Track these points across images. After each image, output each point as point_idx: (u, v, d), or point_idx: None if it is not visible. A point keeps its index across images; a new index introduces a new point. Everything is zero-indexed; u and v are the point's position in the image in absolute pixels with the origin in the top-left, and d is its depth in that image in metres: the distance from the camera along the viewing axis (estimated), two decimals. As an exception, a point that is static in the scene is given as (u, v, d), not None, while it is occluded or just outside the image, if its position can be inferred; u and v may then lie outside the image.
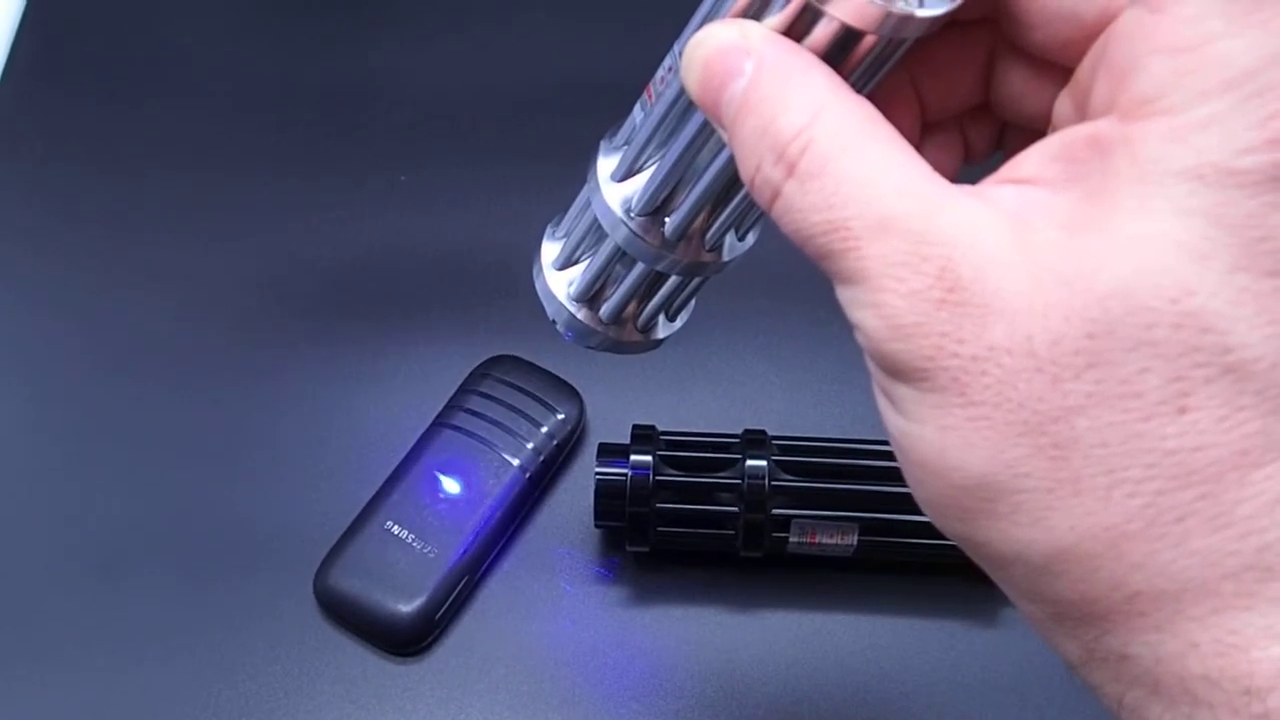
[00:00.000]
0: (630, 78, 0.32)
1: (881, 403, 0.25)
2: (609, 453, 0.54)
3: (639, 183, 0.30)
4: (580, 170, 0.32)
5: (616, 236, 0.31)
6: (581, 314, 0.34)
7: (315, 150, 0.71)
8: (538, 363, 0.60)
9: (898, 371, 0.23)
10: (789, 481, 0.53)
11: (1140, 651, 0.22)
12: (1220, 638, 0.21)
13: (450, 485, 0.56)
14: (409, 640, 0.54)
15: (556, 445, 0.58)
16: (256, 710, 0.53)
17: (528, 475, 0.57)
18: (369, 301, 0.65)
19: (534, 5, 0.77)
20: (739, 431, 0.55)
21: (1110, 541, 0.22)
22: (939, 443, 0.23)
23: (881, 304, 0.23)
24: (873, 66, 0.25)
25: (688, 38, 0.26)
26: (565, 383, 0.60)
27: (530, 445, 0.57)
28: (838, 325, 0.24)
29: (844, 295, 0.24)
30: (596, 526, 0.56)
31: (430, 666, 0.54)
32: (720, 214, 0.30)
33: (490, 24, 0.76)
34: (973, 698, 0.53)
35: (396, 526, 0.55)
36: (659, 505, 0.53)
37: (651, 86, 0.29)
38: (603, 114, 0.32)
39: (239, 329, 0.64)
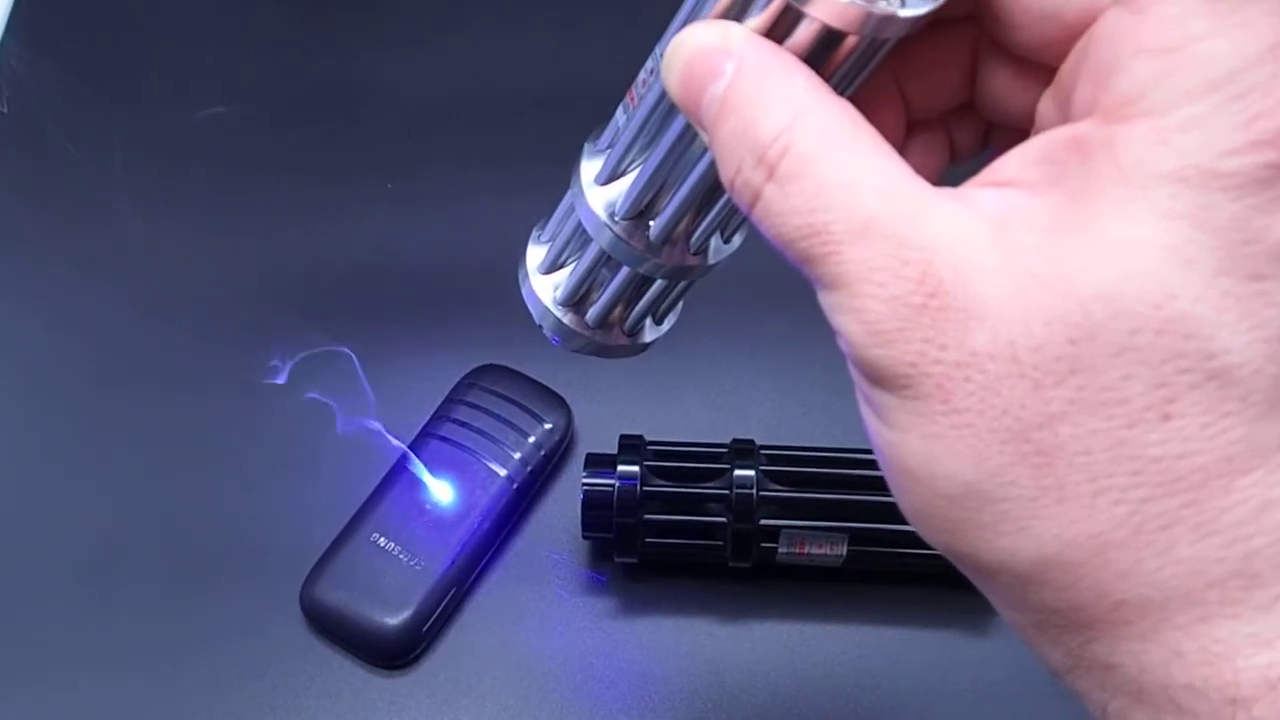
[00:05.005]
0: (616, 83, 0.31)
1: (865, 410, 0.25)
2: (596, 463, 0.54)
3: (622, 186, 0.30)
4: (568, 177, 0.32)
5: (601, 240, 0.31)
6: (567, 318, 0.34)
7: (302, 157, 0.71)
8: (525, 372, 0.60)
9: (880, 378, 0.23)
10: (777, 491, 0.53)
11: (1125, 660, 0.22)
12: (1205, 646, 0.21)
13: (437, 496, 0.56)
14: (396, 653, 0.54)
15: (544, 455, 0.58)
16: (242, 723, 0.53)
17: (515, 486, 0.56)
18: (355, 310, 0.65)
19: (520, 11, 0.77)
20: (727, 441, 0.55)
21: (1095, 549, 0.22)
22: (923, 451, 0.23)
23: (862, 309, 0.22)
24: (855, 67, 0.25)
25: (669, 39, 0.26)
26: (553, 392, 0.59)
27: (518, 455, 0.57)
28: (826, 333, 0.24)
29: (825, 301, 0.23)
30: (584, 537, 0.55)
31: (418, 679, 0.54)
32: (705, 217, 0.30)
33: (476, 31, 0.76)
34: (963, 708, 0.53)
35: (383, 539, 0.55)
36: (647, 516, 0.53)
37: (634, 89, 0.29)
38: (589, 121, 0.32)
39: (223, 337, 0.63)
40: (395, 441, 0.57)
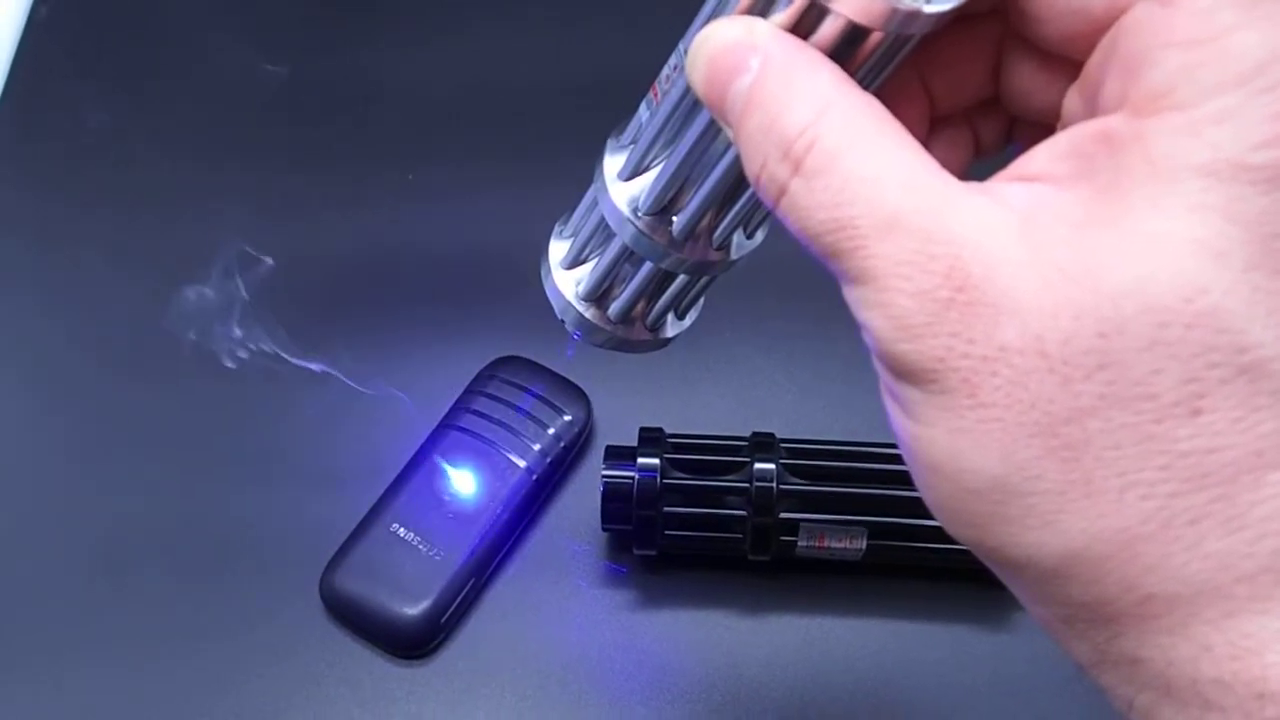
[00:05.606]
0: (637, 75, 0.32)
1: (890, 405, 0.25)
2: (616, 455, 0.54)
3: (646, 181, 0.30)
4: (590, 170, 0.32)
5: (624, 235, 0.31)
6: (590, 313, 0.34)
7: (323, 149, 0.71)
8: (545, 364, 0.60)
9: (907, 373, 0.23)
10: (797, 485, 0.53)
11: (1152, 654, 0.22)
12: (1234, 641, 0.21)
13: (457, 487, 0.56)
14: (415, 643, 0.54)
15: (564, 447, 0.58)
16: (262, 713, 0.53)
17: (535, 477, 0.57)
18: (376, 301, 0.65)
19: (537, 5, 0.77)
20: (747, 434, 0.55)
21: (1123, 544, 0.21)
22: (949, 445, 0.23)
23: (889, 304, 0.22)
24: (880, 63, 0.25)
25: (693, 35, 0.26)
26: (572, 384, 0.59)
27: (537, 447, 0.57)
28: (847, 326, 0.24)
29: (851, 295, 0.23)
30: (603, 529, 0.56)
31: (436, 669, 0.54)
32: (728, 212, 0.30)
33: (498, 22, 0.76)
34: (982, 702, 0.53)
35: (403, 529, 0.55)
36: (666, 509, 0.53)
37: (657, 84, 0.29)
38: (611, 112, 0.32)
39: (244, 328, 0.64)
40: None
